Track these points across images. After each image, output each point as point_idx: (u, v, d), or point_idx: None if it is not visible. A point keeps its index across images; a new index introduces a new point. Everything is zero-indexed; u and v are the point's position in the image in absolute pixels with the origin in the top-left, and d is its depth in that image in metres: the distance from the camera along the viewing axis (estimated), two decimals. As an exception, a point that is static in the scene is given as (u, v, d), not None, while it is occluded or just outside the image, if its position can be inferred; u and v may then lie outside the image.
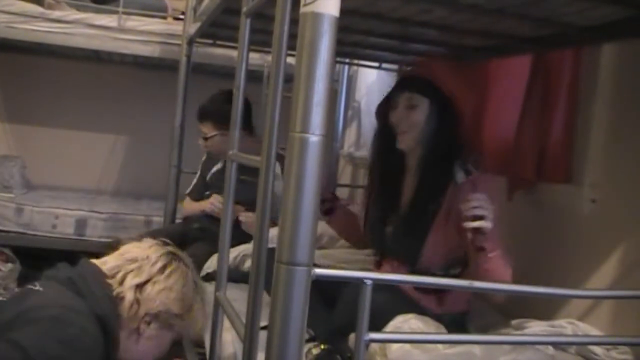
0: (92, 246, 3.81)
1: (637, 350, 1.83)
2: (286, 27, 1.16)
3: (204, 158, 3.33)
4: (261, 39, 3.01)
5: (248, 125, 2.99)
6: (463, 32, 2.27)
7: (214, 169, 3.16)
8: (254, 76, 4.10)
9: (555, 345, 1.76)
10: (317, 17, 1.04)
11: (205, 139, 3.07)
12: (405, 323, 1.58)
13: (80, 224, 3.85)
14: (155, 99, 4.73)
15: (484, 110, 2.65)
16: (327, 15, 1.04)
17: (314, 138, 1.04)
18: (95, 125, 4.80)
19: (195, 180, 3.32)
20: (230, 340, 1.80)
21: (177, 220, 3.41)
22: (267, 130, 1.19)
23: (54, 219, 3.82)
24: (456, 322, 2.00)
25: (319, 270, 1.07)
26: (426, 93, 2.02)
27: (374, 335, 1.12)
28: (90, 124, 4.78)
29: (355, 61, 3.60)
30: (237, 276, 2.32)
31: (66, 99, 4.69)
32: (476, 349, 1.47)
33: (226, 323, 1.56)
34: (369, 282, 1.11)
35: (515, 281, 1.87)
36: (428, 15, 2.08)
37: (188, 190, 3.31)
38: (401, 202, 2.11)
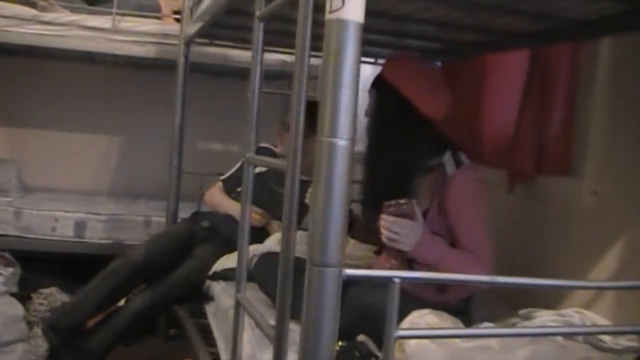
0: (92, 248, 3.81)
1: (644, 337, 1.88)
2: (308, 32, 1.19)
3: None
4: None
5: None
6: (460, 28, 2.29)
7: (257, 170, 3.12)
8: (249, 74, 4.13)
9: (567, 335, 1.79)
10: (343, 24, 1.07)
11: (289, 129, 3.03)
12: (422, 318, 1.61)
13: (80, 226, 3.82)
14: (149, 99, 4.72)
15: (483, 104, 2.69)
16: (353, 22, 1.07)
17: (342, 142, 1.07)
18: (90, 127, 4.78)
19: (233, 170, 3.22)
20: (246, 339, 1.82)
21: (179, 220, 3.40)
22: (292, 133, 1.21)
23: (54, 221, 3.79)
24: (459, 310, 2.03)
25: (349, 271, 1.10)
26: (374, 85, 2.15)
27: (403, 332, 1.15)
28: (84, 125, 4.76)
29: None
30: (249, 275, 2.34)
31: (60, 101, 4.66)
32: (493, 341, 1.50)
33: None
34: (397, 280, 1.13)
35: (519, 273, 1.91)
36: (427, 12, 2.10)
37: (223, 177, 3.22)
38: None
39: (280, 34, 2.28)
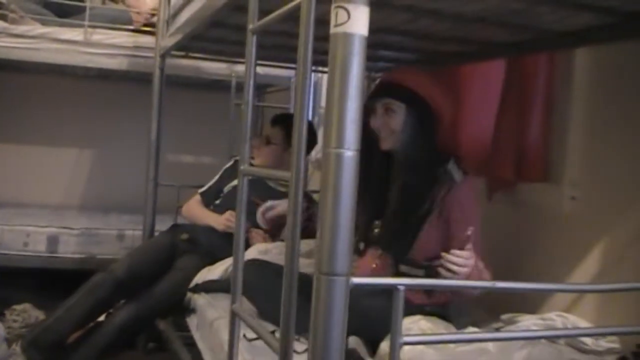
0: (65, 263, 3.77)
1: (624, 338, 1.93)
2: (310, 47, 1.20)
3: (229, 164, 3.27)
4: (232, 50, 3.05)
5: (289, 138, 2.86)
6: (442, 39, 2.33)
7: (235, 182, 3.11)
8: (221, 86, 4.15)
9: (552, 338, 1.83)
10: (348, 37, 1.08)
11: (268, 142, 3.03)
12: (415, 324, 1.63)
13: (52, 240, 3.78)
14: (120, 112, 4.71)
15: (461, 114, 2.73)
16: (358, 36, 1.09)
17: (349, 153, 1.09)
18: (60, 140, 4.74)
19: (211, 183, 3.23)
20: (239, 349, 1.82)
21: (156, 233, 3.38)
22: (295, 147, 1.23)
23: (25, 236, 3.74)
24: (441, 314, 2.05)
25: (356, 279, 1.12)
26: (403, 99, 2.09)
27: (408, 338, 1.17)
28: (54, 138, 4.73)
29: (320, 68, 3.63)
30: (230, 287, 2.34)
31: (31, 115, 4.63)
32: (490, 345, 1.53)
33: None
34: (401, 287, 1.16)
35: (500, 279, 1.95)
36: (411, 24, 2.14)
37: (202, 190, 3.23)
38: (389, 200, 2.18)
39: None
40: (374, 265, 2.15)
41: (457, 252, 1.77)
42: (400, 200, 2.12)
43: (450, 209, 2.01)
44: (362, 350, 1.80)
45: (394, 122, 2.09)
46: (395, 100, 2.09)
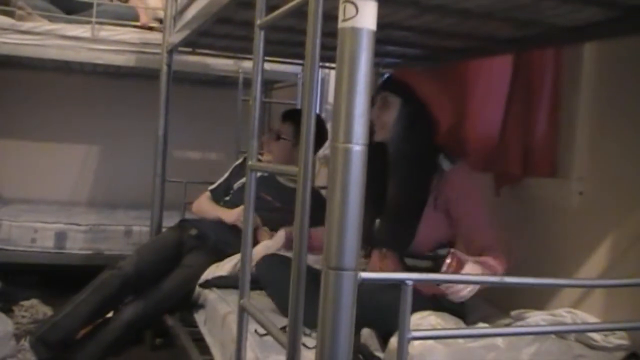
0: (73, 259, 3.79)
1: (633, 335, 1.92)
2: (318, 42, 1.20)
3: (238, 161, 3.28)
4: (239, 46, 3.05)
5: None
6: (447, 35, 2.33)
7: (244, 178, 3.10)
8: (228, 82, 4.15)
9: (562, 333, 1.83)
10: (356, 32, 1.08)
11: (278, 138, 3.03)
12: (424, 320, 1.63)
13: (60, 236, 3.79)
14: (126, 108, 4.73)
15: (468, 109, 2.73)
16: (366, 30, 1.09)
17: (358, 147, 1.09)
18: (67, 137, 4.76)
19: (221, 180, 3.25)
20: (247, 344, 1.82)
21: (163, 229, 3.39)
22: (303, 143, 1.23)
23: (33, 232, 3.75)
24: (454, 311, 2.06)
25: (365, 274, 1.12)
26: (399, 93, 2.15)
27: (416, 333, 1.17)
28: (61, 135, 4.75)
29: (327, 64, 3.63)
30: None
31: (38, 111, 4.64)
32: (499, 340, 1.53)
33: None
34: (409, 282, 1.16)
35: (507, 274, 1.96)
36: (416, 20, 2.14)
37: (211, 187, 3.25)
38: (388, 195, 2.20)
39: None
40: (381, 265, 2.16)
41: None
42: (395, 195, 2.16)
43: (445, 193, 2.07)
44: (374, 343, 1.80)
45: (388, 115, 2.14)
46: (392, 93, 2.16)
